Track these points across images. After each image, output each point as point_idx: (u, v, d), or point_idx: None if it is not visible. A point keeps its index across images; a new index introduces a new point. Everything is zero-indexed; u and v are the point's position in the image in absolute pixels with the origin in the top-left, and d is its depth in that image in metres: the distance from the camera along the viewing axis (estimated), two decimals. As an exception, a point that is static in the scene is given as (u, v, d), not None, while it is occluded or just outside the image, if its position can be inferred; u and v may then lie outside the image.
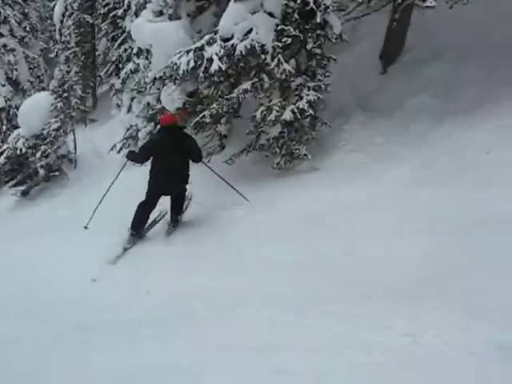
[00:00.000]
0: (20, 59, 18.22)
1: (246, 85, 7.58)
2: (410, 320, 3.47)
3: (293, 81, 7.61)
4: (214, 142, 9.55)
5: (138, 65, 9.25)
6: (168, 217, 7.81)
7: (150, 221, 7.71)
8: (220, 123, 8.01)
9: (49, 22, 31.04)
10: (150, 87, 9.20)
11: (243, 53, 7.37)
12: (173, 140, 7.25)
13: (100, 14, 17.86)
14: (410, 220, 5.57)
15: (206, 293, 5.02)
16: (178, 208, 7.67)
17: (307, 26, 7.57)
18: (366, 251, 5.34)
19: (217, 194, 8.22)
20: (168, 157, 7.14)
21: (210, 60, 7.43)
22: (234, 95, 7.46)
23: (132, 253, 7.26)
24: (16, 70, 17.98)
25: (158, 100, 11.55)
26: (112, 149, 12.54)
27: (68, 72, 18.90)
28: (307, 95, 7.40)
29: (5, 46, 17.65)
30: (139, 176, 8.46)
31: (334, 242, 5.73)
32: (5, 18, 17.71)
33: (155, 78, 8.84)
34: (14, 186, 14.89)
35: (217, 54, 7.43)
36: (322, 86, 7.51)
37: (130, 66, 9.51)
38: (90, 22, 18.24)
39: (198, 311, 4.54)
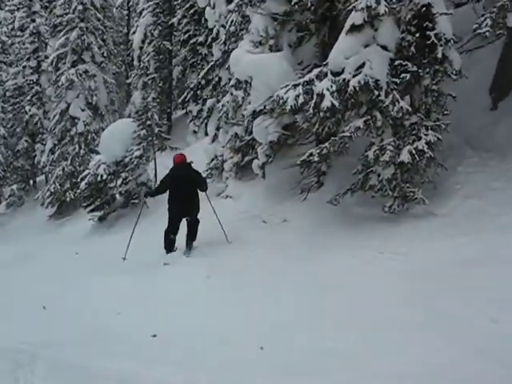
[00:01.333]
0: (100, 84, 18.40)
1: (359, 122, 7.11)
2: None
3: (408, 119, 7.11)
4: (311, 178, 9.11)
5: (237, 97, 8.91)
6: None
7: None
8: (326, 162, 7.54)
9: (122, 47, 31.91)
10: (249, 120, 8.82)
11: (357, 88, 6.94)
12: (184, 174, 8.68)
13: (180, 40, 17.99)
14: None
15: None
16: (192, 234, 8.95)
17: (424, 61, 7.08)
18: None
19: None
20: (181, 187, 8.58)
21: (321, 95, 7.02)
22: (347, 134, 6.98)
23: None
24: (96, 95, 18.14)
25: (247, 131, 11.30)
26: (195, 179, 12.27)
27: (144, 98, 19.17)
28: (426, 135, 6.86)
29: (86, 71, 17.87)
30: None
31: (466, 304, 5.09)
32: (88, 44, 17.95)
33: (254, 111, 8.49)
34: (92, 211, 14.90)
35: (328, 90, 7.02)
36: (443, 126, 6.95)
37: (228, 98, 9.16)
38: (170, 48, 18.33)
39: None
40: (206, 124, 16.95)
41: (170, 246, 8.90)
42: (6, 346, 5.63)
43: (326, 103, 6.90)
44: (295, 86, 7.30)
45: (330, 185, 8.89)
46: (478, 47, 8.42)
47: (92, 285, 8.91)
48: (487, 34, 6.75)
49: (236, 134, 11.39)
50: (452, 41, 6.92)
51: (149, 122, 13.37)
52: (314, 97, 7.10)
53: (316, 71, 7.35)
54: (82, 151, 17.97)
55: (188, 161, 9.01)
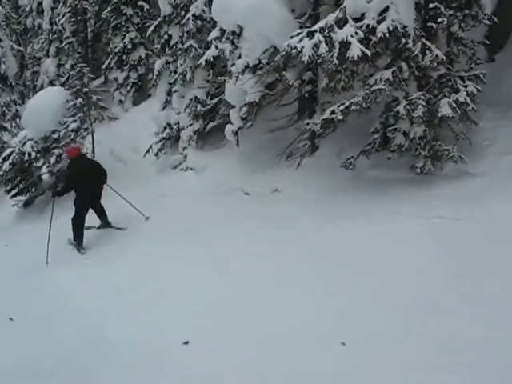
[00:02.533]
0: (7, 51, 16.09)
1: (387, 74, 6.26)
2: None
3: (438, 70, 6.39)
4: (302, 142, 8.18)
5: (223, 50, 7.61)
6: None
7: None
8: (344, 121, 6.59)
9: (13, 10, 28.79)
10: (237, 78, 7.63)
11: (387, 35, 6.08)
12: (85, 165, 9.00)
13: (99, -1, 16.10)
14: None
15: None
16: (102, 212, 9.18)
17: (453, 5, 6.37)
18: None
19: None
20: (87, 179, 8.65)
21: (346, 43, 6.09)
22: (380, 86, 6.11)
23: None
24: (4, 63, 15.84)
25: (209, 94, 10.14)
26: (148, 151, 10.92)
27: (61, 65, 17.14)
28: (465, 86, 6.18)
29: (-10, 35, 15.56)
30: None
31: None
32: (-10, 3, 15.60)
33: (247, 67, 7.37)
34: (15, 195, 12.96)
35: (352, 37, 6.09)
36: (480, 76, 6.30)
37: (212, 51, 7.80)
38: (89, 8, 16.37)
39: None
40: (135, 91, 15.50)
41: (79, 235, 8.81)
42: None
43: (354, 51, 5.97)
44: (311, 33, 6.29)
45: (328, 148, 8.03)
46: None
47: (56, 283, 7.51)
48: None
49: (196, 97, 10.14)
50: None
51: (85, 90, 11.67)
52: (336, 45, 6.15)
53: (333, 16, 6.37)
54: (-10, 127, 15.68)
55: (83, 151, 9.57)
